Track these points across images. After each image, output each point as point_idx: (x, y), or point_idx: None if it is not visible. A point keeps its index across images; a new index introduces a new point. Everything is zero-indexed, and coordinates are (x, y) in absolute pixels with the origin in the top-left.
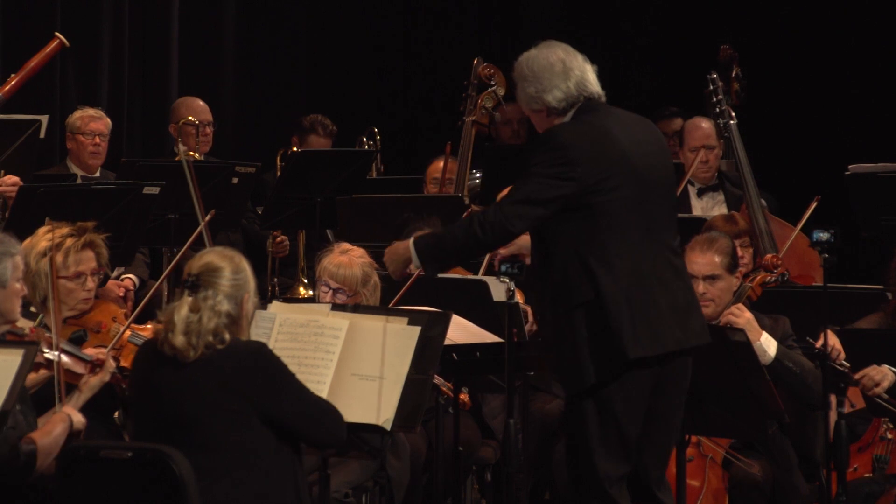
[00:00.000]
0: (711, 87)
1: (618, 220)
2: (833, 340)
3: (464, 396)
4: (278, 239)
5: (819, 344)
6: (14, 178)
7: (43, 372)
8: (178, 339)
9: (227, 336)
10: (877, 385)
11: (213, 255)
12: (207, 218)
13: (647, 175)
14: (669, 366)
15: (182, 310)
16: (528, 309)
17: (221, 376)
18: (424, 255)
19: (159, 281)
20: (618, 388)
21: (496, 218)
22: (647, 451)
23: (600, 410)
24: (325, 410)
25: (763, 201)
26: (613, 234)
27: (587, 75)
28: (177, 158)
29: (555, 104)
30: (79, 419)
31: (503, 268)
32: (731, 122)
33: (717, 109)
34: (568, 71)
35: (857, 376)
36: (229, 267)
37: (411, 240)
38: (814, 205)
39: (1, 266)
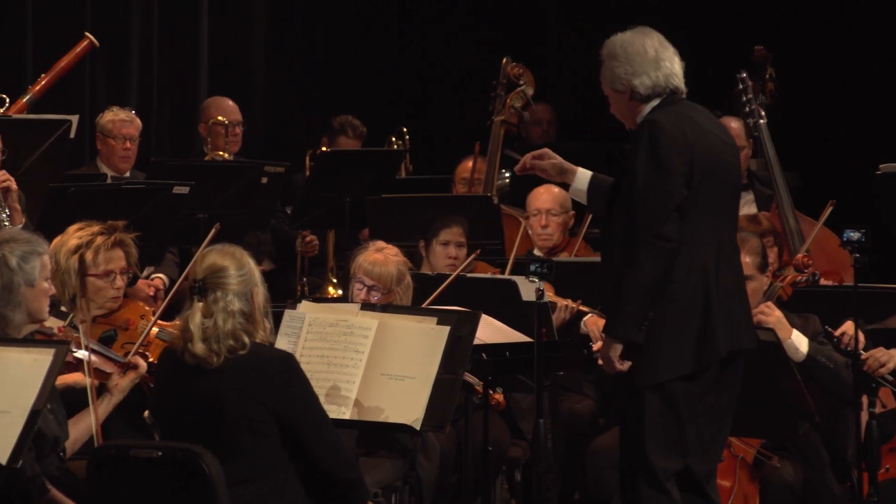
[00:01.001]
0: (741, 87)
1: (699, 215)
2: (849, 328)
3: (498, 396)
4: (307, 239)
5: (838, 332)
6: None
7: (76, 376)
8: (199, 347)
9: (246, 340)
10: (882, 366)
11: (215, 256)
12: (212, 234)
13: (725, 173)
14: (725, 365)
15: (195, 317)
16: (558, 301)
17: (244, 383)
18: (616, 326)
19: (181, 278)
20: (684, 387)
21: (649, 245)
22: (699, 447)
23: (664, 407)
24: (339, 444)
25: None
26: (695, 234)
27: (675, 68)
28: (206, 158)
29: (640, 90)
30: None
31: (532, 267)
32: (761, 121)
33: (747, 109)
34: (659, 61)
35: (863, 356)
36: (233, 265)
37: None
38: (829, 209)
39: (29, 265)
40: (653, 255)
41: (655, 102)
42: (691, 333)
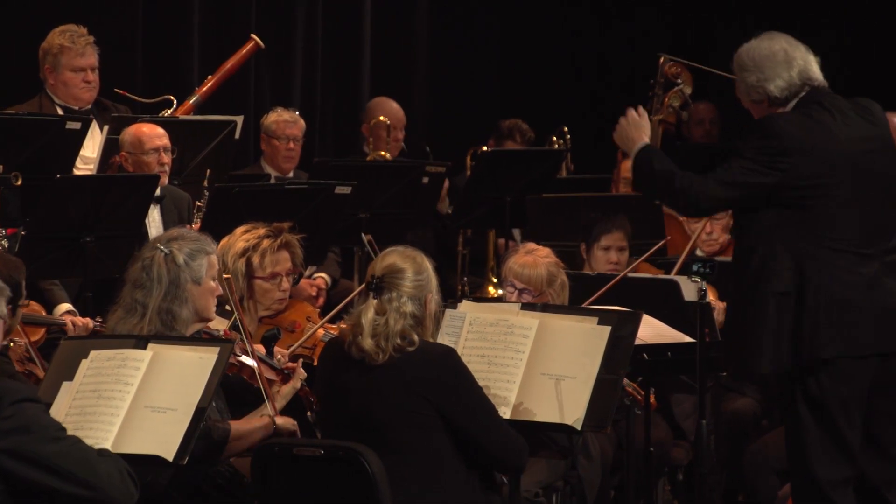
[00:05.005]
0: None
1: (831, 220)
2: None
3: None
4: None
5: None
6: None
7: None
8: (367, 342)
9: (415, 338)
10: None
11: (395, 256)
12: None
13: (866, 173)
14: (890, 366)
15: (368, 313)
16: (717, 304)
17: (407, 380)
18: (636, 161)
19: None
20: (832, 393)
21: (695, 190)
22: (871, 452)
23: (816, 415)
24: (508, 430)
25: None
26: (826, 234)
27: (810, 65)
28: (368, 158)
29: (777, 93)
30: (285, 423)
31: (695, 267)
32: None
33: None
34: (791, 60)
35: None
36: (411, 268)
37: (641, 146)
38: None
39: (196, 263)
40: (679, 194)
41: (794, 103)
42: (788, 329)
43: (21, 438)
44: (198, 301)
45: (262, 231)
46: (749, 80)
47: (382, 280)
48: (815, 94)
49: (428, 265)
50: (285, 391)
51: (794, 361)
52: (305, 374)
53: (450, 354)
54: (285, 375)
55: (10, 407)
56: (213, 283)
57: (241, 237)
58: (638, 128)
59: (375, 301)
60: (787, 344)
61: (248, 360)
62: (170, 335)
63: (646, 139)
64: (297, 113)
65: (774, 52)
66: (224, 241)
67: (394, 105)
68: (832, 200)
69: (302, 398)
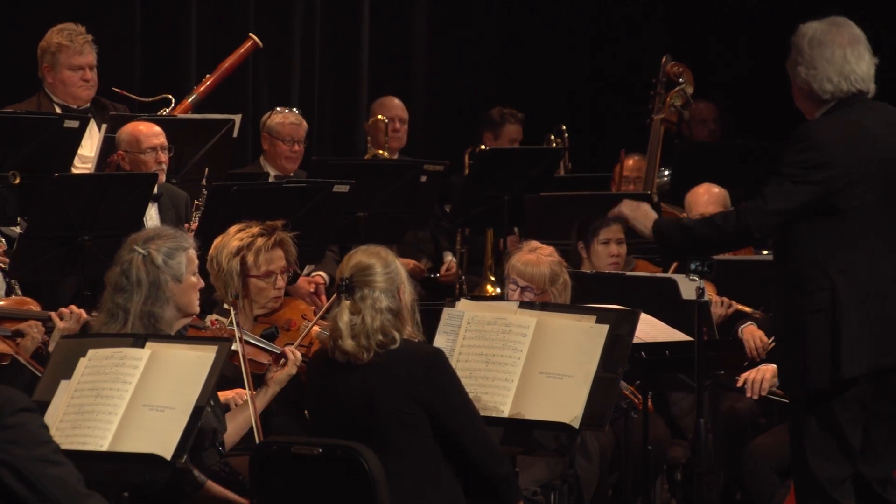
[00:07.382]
0: None
1: (862, 225)
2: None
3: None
4: (447, 263)
5: None
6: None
7: (233, 393)
8: (348, 343)
9: (396, 335)
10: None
11: (361, 255)
12: None
13: None
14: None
15: (343, 315)
16: (714, 297)
17: (395, 379)
18: (662, 238)
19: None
20: (839, 398)
21: (748, 223)
22: (869, 452)
23: (821, 417)
24: (490, 438)
25: None
26: (856, 240)
27: (862, 70)
28: (366, 157)
29: (819, 93)
30: None
31: (693, 266)
32: None
33: None
34: (845, 64)
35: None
36: (379, 263)
37: (653, 223)
38: None
39: (175, 261)
40: (738, 230)
41: (832, 104)
42: (835, 344)
43: (18, 452)
44: (180, 298)
45: (255, 229)
46: (799, 67)
47: (352, 280)
48: (854, 99)
49: (393, 259)
50: (280, 376)
51: (827, 378)
52: (300, 357)
53: (437, 354)
54: (278, 356)
55: (11, 417)
56: (193, 279)
57: (234, 236)
58: (645, 216)
59: (349, 302)
60: (824, 361)
61: (237, 346)
62: (164, 335)
63: (653, 217)
64: (300, 113)
65: (833, 53)
66: (218, 240)
67: (394, 101)
68: (864, 208)
69: (302, 378)
